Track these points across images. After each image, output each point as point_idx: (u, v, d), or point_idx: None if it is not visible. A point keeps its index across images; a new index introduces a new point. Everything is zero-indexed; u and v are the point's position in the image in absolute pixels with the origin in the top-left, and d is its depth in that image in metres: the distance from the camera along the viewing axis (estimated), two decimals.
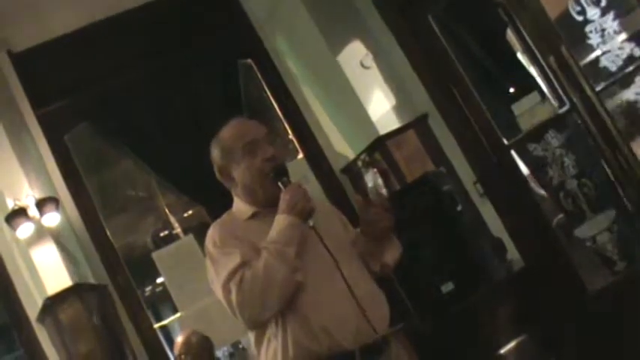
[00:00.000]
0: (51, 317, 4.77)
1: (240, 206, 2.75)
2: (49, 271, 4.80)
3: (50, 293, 4.73)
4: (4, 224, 4.89)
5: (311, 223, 2.56)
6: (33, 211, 4.85)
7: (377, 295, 2.69)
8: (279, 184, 2.62)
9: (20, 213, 4.80)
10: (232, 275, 2.48)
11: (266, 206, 2.66)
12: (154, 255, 5.79)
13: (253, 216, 2.69)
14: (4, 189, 4.91)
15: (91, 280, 5.12)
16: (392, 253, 2.78)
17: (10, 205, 4.81)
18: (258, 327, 2.57)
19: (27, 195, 4.88)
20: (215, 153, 2.77)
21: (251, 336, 2.65)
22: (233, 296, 2.47)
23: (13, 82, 5.40)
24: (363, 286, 2.62)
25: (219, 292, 2.56)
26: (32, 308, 4.93)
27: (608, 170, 4.65)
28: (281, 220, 2.54)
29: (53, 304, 4.72)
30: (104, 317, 4.98)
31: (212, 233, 2.68)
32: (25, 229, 4.81)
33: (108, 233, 5.51)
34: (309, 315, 2.51)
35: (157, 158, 5.78)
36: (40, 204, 4.89)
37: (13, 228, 4.80)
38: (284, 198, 2.57)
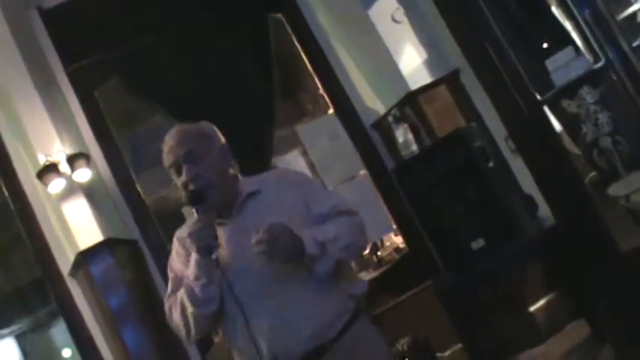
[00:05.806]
0: (83, 272, 4.84)
1: None
2: (80, 227, 4.84)
3: (82, 248, 4.78)
4: (35, 180, 4.93)
5: (214, 256, 2.51)
6: (64, 167, 4.89)
7: (293, 317, 2.54)
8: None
9: (51, 169, 4.84)
10: (166, 301, 2.70)
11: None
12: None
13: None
14: (35, 145, 4.92)
15: (122, 235, 5.17)
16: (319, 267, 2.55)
17: (42, 160, 4.84)
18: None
19: (58, 151, 4.91)
20: None
21: None
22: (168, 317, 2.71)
23: (43, 38, 5.39)
24: (276, 311, 2.53)
25: None
26: (65, 263, 4.99)
27: None
28: (191, 256, 2.58)
29: (85, 258, 4.78)
30: (135, 272, 5.03)
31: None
32: (56, 185, 4.85)
33: (138, 188, 5.55)
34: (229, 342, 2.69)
35: (187, 113, 5.75)
36: (71, 160, 4.91)
37: (45, 184, 4.84)
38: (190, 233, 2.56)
